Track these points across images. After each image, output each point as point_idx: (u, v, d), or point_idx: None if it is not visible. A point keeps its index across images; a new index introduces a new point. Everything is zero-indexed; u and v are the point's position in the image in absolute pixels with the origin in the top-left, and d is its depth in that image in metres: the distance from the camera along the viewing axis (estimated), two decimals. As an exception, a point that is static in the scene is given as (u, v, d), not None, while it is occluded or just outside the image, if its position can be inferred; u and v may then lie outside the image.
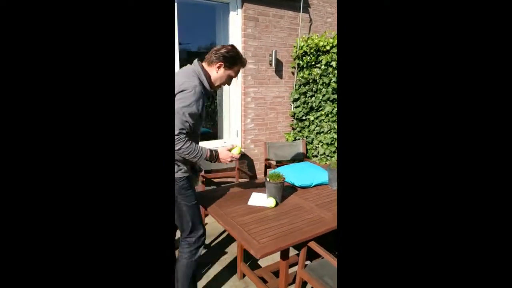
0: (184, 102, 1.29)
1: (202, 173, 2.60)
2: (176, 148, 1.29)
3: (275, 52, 2.75)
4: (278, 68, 2.85)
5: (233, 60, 1.44)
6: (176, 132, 1.28)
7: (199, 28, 2.83)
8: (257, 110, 2.82)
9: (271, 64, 2.78)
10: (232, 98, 2.75)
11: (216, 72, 1.45)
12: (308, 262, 1.48)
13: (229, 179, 2.64)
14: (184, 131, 1.30)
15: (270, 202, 1.53)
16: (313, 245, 1.30)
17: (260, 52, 2.72)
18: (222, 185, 2.56)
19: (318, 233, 1.31)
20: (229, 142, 2.78)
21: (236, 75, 1.51)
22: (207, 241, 2.25)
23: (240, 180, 2.66)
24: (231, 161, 1.49)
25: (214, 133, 3.03)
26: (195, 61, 1.46)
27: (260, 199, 1.61)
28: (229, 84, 1.56)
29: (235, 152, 1.51)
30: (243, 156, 2.82)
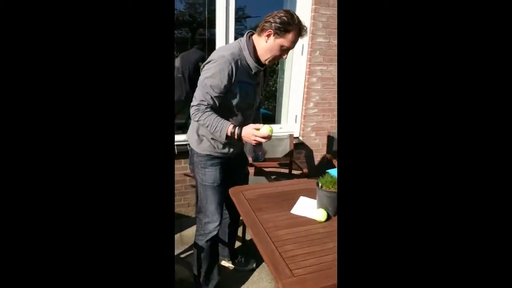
0: (207, 73, 1.17)
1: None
2: (195, 119, 1.22)
3: (353, 22, 2.23)
4: (355, 43, 2.34)
5: (285, 26, 1.14)
6: (195, 103, 1.20)
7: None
8: (323, 92, 2.38)
9: (346, 38, 2.28)
10: (294, 76, 2.37)
11: (265, 42, 1.18)
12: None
13: (281, 170, 2.33)
14: (204, 103, 1.19)
15: (319, 214, 1.17)
16: None
17: (334, 23, 2.24)
18: (272, 177, 2.27)
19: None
20: (285, 128, 2.44)
21: (290, 46, 1.19)
22: (248, 237, 2.03)
23: (294, 172, 2.33)
24: (256, 142, 1.20)
25: (274, 116, 2.72)
26: (246, 33, 1.24)
27: (308, 207, 1.27)
28: (283, 57, 1.24)
29: (263, 132, 1.18)
30: (300, 146, 2.45)
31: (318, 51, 2.27)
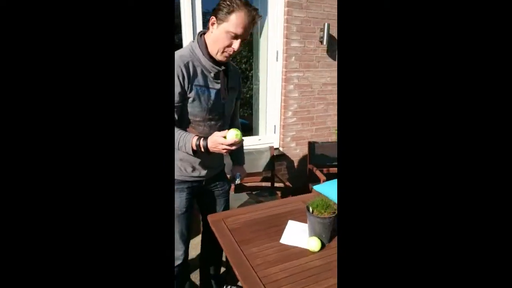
0: None
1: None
2: None
3: (328, 26, 2.15)
4: (332, 47, 2.26)
5: (227, 8, 0.99)
6: None
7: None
8: (301, 100, 2.28)
9: (322, 42, 2.20)
10: (270, 85, 2.24)
11: (211, 33, 1.06)
12: None
13: (263, 184, 2.19)
14: None
15: (312, 244, 1.04)
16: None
17: (308, 26, 2.15)
18: (254, 192, 2.12)
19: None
20: (264, 140, 2.31)
21: (237, 31, 1.00)
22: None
23: (276, 184, 2.20)
24: (225, 151, 1.04)
25: (251, 125, 2.58)
26: (198, 33, 1.12)
27: (298, 234, 1.13)
28: (235, 49, 1.05)
29: (229, 138, 1.02)
30: (281, 157, 2.33)
31: (293, 57, 2.16)
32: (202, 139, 1.05)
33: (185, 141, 1.06)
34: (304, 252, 1.04)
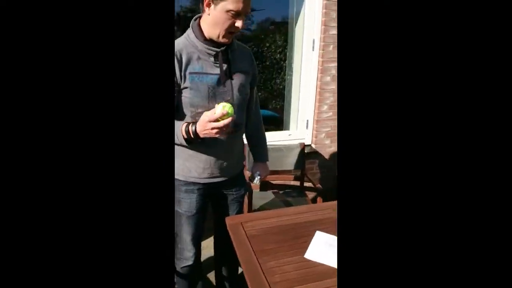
0: None
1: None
2: None
3: (373, 10, 1.90)
4: (375, 35, 2.01)
5: None
6: None
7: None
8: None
9: (364, 29, 1.96)
10: (304, 76, 2.06)
11: (208, 15, 0.94)
12: None
13: (291, 183, 2.04)
14: None
15: (343, 264, 0.88)
16: None
17: (351, 11, 1.92)
18: (281, 192, 1.97)
19: None
20: (295, 135, 2.14)
21: (238, 7, 0.89)
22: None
23: (306, 184, 2.03)
24: (217, 131, 0.89)
25: (282, 118, 2.42)
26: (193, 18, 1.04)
27: (326, 248, 0.98)
28: (239, 27, 0.93)
29: (218, 112, 0.88)
30: (313, 155, 2.15)
31: (331, 46, 1.96)
32: (191, 124, 0.94)
33: (177, 130, 0.95)
34: (331, 272, 0.89)
